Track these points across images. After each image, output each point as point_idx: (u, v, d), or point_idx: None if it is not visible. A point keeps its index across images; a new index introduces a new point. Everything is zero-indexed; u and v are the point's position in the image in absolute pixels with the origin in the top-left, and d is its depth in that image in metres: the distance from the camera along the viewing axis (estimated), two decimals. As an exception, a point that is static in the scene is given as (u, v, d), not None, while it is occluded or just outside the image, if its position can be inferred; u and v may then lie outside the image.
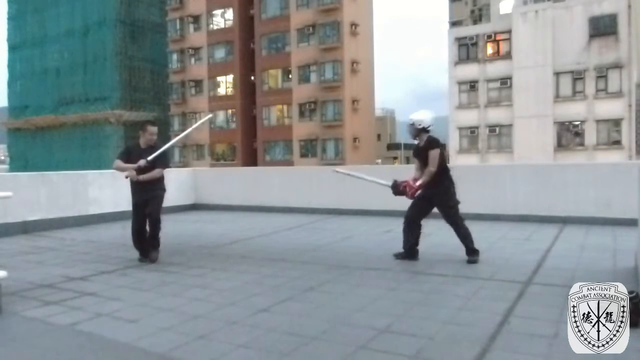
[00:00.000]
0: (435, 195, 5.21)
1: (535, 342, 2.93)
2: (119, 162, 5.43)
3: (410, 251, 5.35)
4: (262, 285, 4.41)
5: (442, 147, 5.20)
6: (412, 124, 5.17)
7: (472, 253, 5.18)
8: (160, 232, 5.54)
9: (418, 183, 5.15)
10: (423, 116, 5.19)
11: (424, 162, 5.17)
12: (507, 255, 5.52)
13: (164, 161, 5.53)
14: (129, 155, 5.45)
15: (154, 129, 5.55)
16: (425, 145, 5.13)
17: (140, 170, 5.32)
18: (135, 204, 5.51)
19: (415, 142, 5.35)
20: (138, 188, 5.45)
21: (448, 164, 5.30)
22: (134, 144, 5.64)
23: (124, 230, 6.21)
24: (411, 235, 5.32)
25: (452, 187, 5.24)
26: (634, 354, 2.60)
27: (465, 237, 5.20)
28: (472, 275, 4.60)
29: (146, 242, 5.53)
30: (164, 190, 5.59)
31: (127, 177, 5.38)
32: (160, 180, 5.53)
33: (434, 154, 5.05)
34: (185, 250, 6.25)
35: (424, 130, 5.17)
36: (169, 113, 46.53)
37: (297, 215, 9.68)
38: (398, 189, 5.25)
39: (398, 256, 5.40)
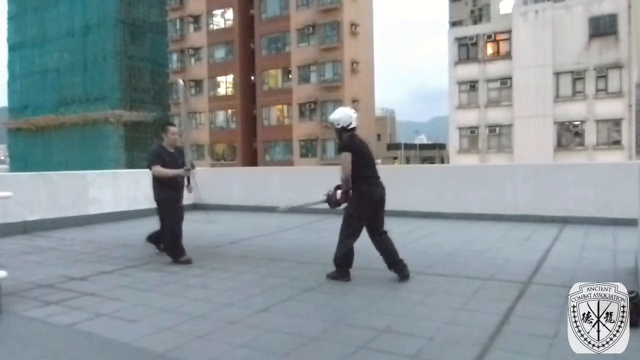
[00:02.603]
0: (348, 202, 4.61)
1: (535, 342, 2.93)
2: (161, 169, 5.38)
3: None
4: (262, 285, 4.41)
5: (358, 147, 4.47)
6: (332, 124, 4.62)
7: (336, 271, 4.59)
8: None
9: (339, 194, 4.63)
10: (339, 114, 4.58)
11: None
12: (507, 255, 5.52)
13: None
14: (164, 161, 5.43)
15: (175, 129, 5.65)
16: (338, 147, 4.57)
17: (173, 168, 5.44)
18: (176, 202, 5.53)
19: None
20: (179, 188, 5.55)
21: (369, 169, 4.51)
22: (160, 148, 5.54)
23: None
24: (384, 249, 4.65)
25: (365, 201, 4.48)
26: (634, 354, 2.60)
27: (339, 251, 4.58)
28: (472, 275, 4.60)
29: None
30: None
31: (190, 192, 5.57)
32: None
33: (343, 158, 4.42)
34: (185, 250, 6.24)
35: (345, 129, 4.53)
36: (169, 113, 46.52)
37: (297, 215, 9.67)
38: (330, 202, 4.73)
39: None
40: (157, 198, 5.51)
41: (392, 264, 4.54)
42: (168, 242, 5.51)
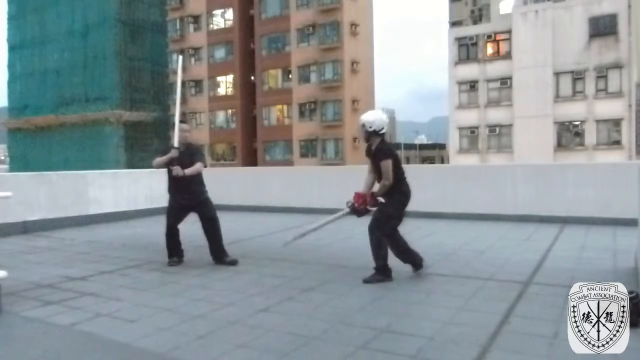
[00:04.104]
0: (383, 203, 4.61)
1: (535, 342, 2.93)
2: (157, 159, 5.30)
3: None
4: (262, 285, 4.41)
5: (395, 153, 4.58)
6: (363, 126, 4.56)
7: (377, 273, 4.52)
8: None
9: (379, 200, 4.57)
10: (373, 117, 4.56)
11: (376, 168, 4.58)
12: (507, 255, 5.52)
13: (201, 157, 5.51)
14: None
15: (185, 126, 5.50)
16: (376, 154, 4.54)
17: (180, 166, 5.16)
18: (179, 206, 5.37)
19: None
20: (185, 189, 5.31)
21: (404, 172, 4.65)
22: (169, 145, 5.47)
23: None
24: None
25: (405, 201, 4.58)
26: (634, 354, 2.60)
27: (379, 250, 4.55)
28: (472, 275, 4.60)
29: (213, 248, 5.50)
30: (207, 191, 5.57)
31: (175, 175, 5.15)
32: (203, 182, 5.53)
33: (386, 165, 4.44)
34: (185, 250, 6.23)
35: (375, 133, 4.54)
36: (169, 113, 46.48)
37: (297, 215, 9.67)
38: (359, 212, 4.65)
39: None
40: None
41: (402, 252, 4.66)
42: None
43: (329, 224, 4.94)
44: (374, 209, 4.62)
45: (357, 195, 4.63)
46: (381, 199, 4.59)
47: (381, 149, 4.51)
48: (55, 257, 5.92)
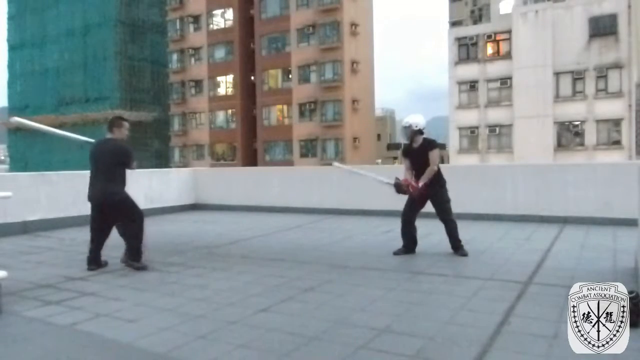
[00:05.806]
0: (435, 192, 5.50)
1: (535, 342, 2.93)
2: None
3: (409, 246, 5.61)
4: (262, 285, 4.41)
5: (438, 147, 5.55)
6: (409, 127, 5.41)
7: (462, 249, 5.48)
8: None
9: (422, 183, 5.38)
10: (417, 119, 5.47)
11: (421, 162, 5.42)
12: (507, 255, 5.52)
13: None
14: None
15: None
16: (425, 146, 5.43)
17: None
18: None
19: (406, 143, 5.73)
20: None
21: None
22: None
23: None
24: (409, 233, 5.63)
25: (445, 185, 5.60)
26: (634, 354, 2.60)
27: (456, 231, 5.52)
28: (472, 275, 4.60)
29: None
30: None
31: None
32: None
33: (436, 153, 5.40)
34: (185, 250, 6.24)
35: (420, 132, 5.44)
36: (169, 113, 46.52)
37: (297, 215, 9.68)
38: (402, 188, 5.48)
39: (398, 252, 5.60)
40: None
41: (411, 242, 5.62)
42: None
43: (370, 179, 6.07)
44: (415, 194, 5.47)
45: (407, 181, 5.48)
46: (422, 184, 5.40)
47: (430, 142, 5.47)
48: (55, 257, 5.92)
